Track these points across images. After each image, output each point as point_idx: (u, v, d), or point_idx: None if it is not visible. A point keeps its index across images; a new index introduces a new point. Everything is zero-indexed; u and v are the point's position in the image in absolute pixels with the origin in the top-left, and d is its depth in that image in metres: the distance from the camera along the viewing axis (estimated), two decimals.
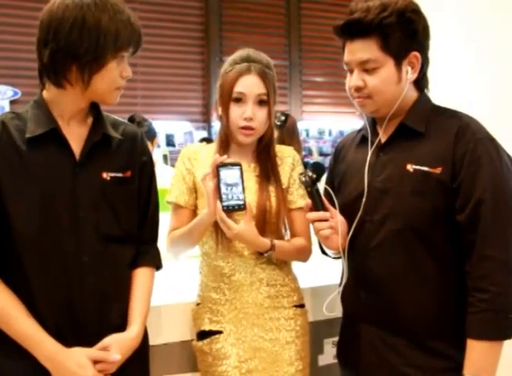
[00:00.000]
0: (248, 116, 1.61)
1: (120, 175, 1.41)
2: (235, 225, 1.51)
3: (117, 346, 1.33)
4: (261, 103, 1.63)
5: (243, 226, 1.52)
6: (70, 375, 1.28)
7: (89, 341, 1.33)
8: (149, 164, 1.52)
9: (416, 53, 1.41)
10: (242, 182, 1.49)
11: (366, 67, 1.39)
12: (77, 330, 1.33)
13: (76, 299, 1.33)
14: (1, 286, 1.30)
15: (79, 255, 1.34)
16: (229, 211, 1.49)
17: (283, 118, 3.08)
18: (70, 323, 1.33)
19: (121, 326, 1.39)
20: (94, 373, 1.29)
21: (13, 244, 1.31)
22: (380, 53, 1.37)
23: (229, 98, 1.63)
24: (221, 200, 1.48)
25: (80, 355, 1.29)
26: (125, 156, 1.44)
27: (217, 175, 1.48)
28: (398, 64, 1.39)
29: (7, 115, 1.37)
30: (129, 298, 1.43)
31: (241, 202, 1.49)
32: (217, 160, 1.49)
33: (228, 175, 1.48)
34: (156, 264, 1.52)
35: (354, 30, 1.38)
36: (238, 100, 1.63)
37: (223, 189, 1.48)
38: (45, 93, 1.38)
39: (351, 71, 1.43)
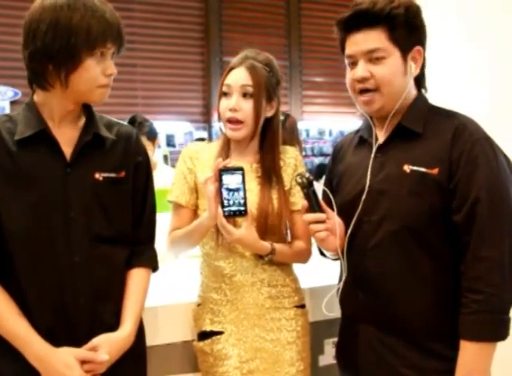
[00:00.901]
0: (232, 107, 1.60)
1: (113, 175, 1.40)
2: (235, 230, 1.50)
3: (106, 346, 1.33)
4: (246, 95, 1.62)
5: (244, 231, 1.51)
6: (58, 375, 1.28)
7: (82, 341, 1.33)
8: (145, 164, 1.50)
9: (420, 48, 1.42)
10: (244, 188, 1.47)
11: (373, 57, 1.38)
12: (69, 331, 1.33)
13: (68, 299, 1.33)
14: None
15: (70, 256, 1.34)
16: (230, 216, 1.48)
17: (282, 118, 3.07)
18: (62, 323, 1.33)
19: (115, 326, 1.39)
20: (81, 373, 1.28)
21: (5, 245, 1.31)
22: (388, 43, 1.38)
23: (221, 93, 1.65)
24: (222, 206, 1.47)
25: (67, 355, 1.29)
26: (119, 156, 1.43)
27: (219, 180, 1.47)
28: (404, 57, 1.40)
29: (0, 118, 1.38)
30: (123, 298, 1.42)
31: (242, 208, 1.48)
32: (219, 164, 1.48)
33: (231, 180, 1.47)
34: (153, 265, 1.51)
35: (361, 20, 1.38)
36: (226, 94, 1.63)
37: (224, 194, 1.46)
38: (35, 96, 1.38)
39: (354, 64, 1.42)
